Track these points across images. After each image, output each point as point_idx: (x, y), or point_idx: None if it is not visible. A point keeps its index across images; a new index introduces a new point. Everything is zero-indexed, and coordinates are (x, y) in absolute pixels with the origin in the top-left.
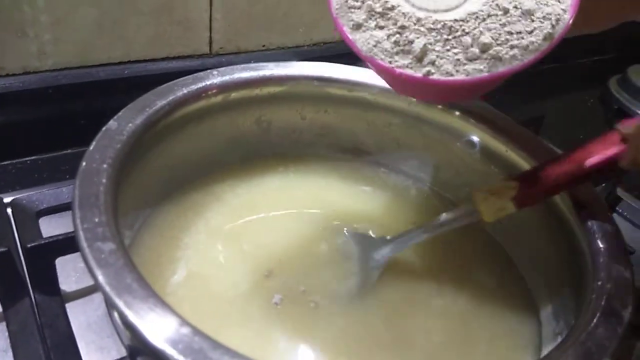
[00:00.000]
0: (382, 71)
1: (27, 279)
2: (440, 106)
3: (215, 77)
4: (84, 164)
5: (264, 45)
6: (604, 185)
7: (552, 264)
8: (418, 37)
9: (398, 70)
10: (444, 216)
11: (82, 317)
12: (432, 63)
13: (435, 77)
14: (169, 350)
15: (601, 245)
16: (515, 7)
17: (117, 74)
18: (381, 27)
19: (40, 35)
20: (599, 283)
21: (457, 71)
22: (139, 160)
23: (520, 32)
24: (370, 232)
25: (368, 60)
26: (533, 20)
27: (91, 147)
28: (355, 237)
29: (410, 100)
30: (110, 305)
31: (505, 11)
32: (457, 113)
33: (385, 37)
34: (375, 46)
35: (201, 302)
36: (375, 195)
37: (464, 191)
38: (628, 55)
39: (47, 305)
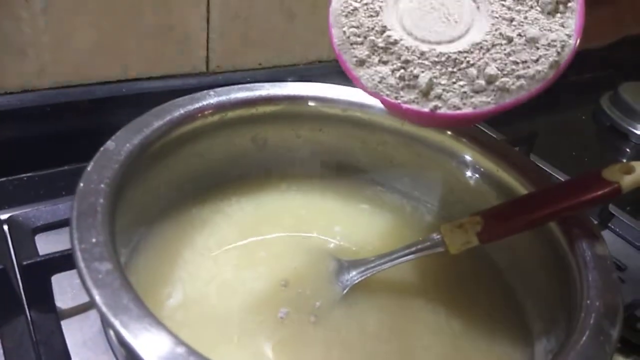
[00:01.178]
0: (388, 107)
1: (23, 296)
2: None
3: (212, 97)
4: (81, 184)
5: (260, 64)
6: None
7: (543, 282)
8: (423, 71)
9: (405, 106)
10: (410, 246)
11: (77, 334)
12: (439, 97)
13: (442, 111)
14: None
15: (590, 264)
16: (520, 34)
17: (115, 92)
18: (385, 62)
19: (40, 56)
20: (588, 302)
21: (464, 104)
22: (136, 179)
23: (525, 62)
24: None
25: (374, 97)
26: (538, 48)
27: (89, 168)
28: (331, 260)
29: (403, 120)
30: (106, 325)
31: (510, 40)
32: (450, 133)
33: (390, 73)
34: (380, 82)
35: (197, 322)
36: (371, 213)
37: (457, 208)
38: (619, 73)
39: (43, 323)
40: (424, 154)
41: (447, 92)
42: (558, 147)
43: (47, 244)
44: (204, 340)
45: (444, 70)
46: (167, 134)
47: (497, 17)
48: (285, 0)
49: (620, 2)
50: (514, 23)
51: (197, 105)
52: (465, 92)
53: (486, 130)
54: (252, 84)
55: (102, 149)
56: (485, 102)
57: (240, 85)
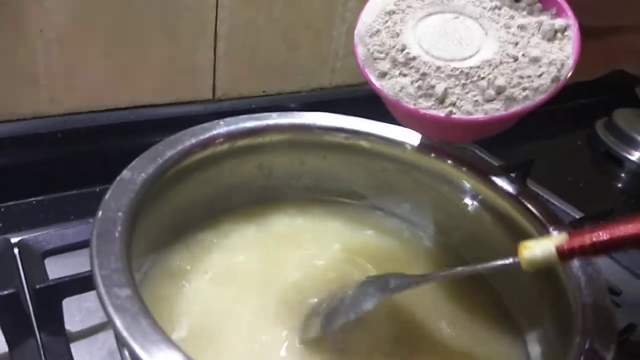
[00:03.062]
0: (407, 114)
1: (34, 319)
2: (432, 154)
3: (222, 127)
4: (100, 212)
5: (264, 91)
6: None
7: (541, 307)
8: (439, 83)
9: (422, 111)
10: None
11: (86, 357)
12: (453, 104)
13: (457, 116)
14: None
15: (585, 289)
16: (524, 55)
17: (124, 118)
18: (404, 75)
19: (52, 84)
20: (582, 326)
21: (477, 110)
22: (149, 206)
23: (530, 76)
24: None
25: (394, 104)
26: (540, 66)
27: (107, 196)
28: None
29: (404, 148)
30: (125, 348)
31: (515, 59)
32: (449, 161)
33: (409, 83)
34: (400, 91)
35: (207, 347)
36: (371, 236)
37: (456, 235)
38: (614, 99)
39: (53, 345)
40: (423, 181)
41: (461, 100)
42: (554, 173)
43: (56, 268)
44: None
45: (457, 82)
46: (179, 163)
47: (503, 41)
48: (289, 31)
49: (609, 38)
50: (518, 46)
51: (207, 135)
52: (477, 101)
53: (484, 157)
54: (259, 114)
55: (118, 178)
56: (495, 109)
57: (248, 115)
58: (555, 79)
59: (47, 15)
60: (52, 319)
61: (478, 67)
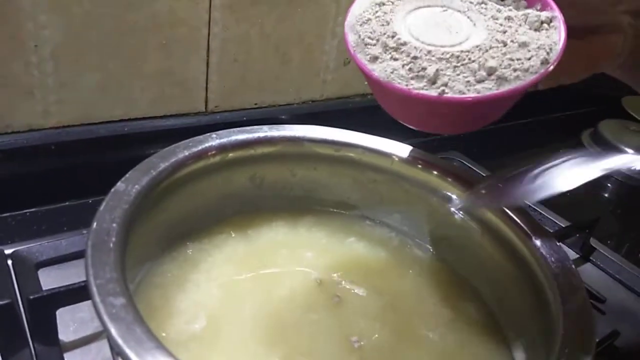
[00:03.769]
0: (398, 97)
1: (27, 330)
2: (419, 165)
3: (214, 140)
4: (95, 224)
5: (256, 104)
6: (577, 235)
7: (525, 314)
8: (430, 65)
9: (414, 92)
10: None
11: None
12: (445, 84)
13: (449, 95)
14: None
15: (566, 297)
16: (512, 41)
17: (118, 130)
18: (395, 59)
19: (46, 97)
20: (564, 332)
21: (469, 90)
22: (143, 218)
23: (520, 59)
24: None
25: (386, 85)
26: (529, 50)
27: (101, 208)
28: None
29: (392, 160)
30: (119, 355)
31: (505, 44)
32: (435, 172)
33: (401, 66)
34: (392, 73)
35: (200, 355)
36: (360, 246)
37: (444, 243)
38: (600, 110)
39: (47, 356)
40: (412, 191)
41: (453, 81)
42: None
43: (49, 279)
44: None
45: (448, 65)
46: (172, 175)
47: (492, 30)
48: (281, 45)
49: (592, 39)
50: (507, 34)
51: (200, 147)
52: (468, 81)
53: (470, 167)
54: (251, 127)
55: (112, 190)
56: (487, 88)
57: (240, 128)
58: (544, 61)
59: (41, 30)
60: (46, 329)
61: (468, 51)
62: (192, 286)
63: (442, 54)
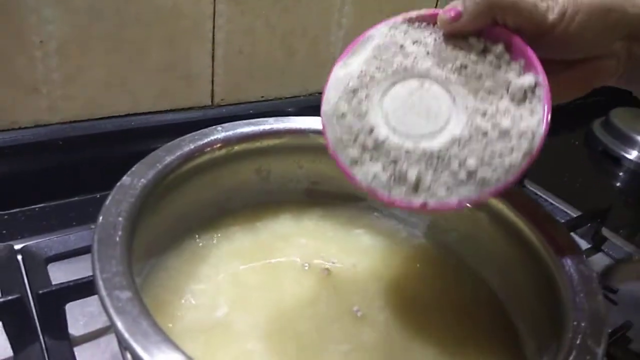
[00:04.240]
0: (382, 201)
1: (38, 324)
2: None
3: (220, 133)
4: (101, 218)
5: (262, 96)
6: (589, 225)
7: (535, 305)
8: (410, 168)
9: (397, 202)
10: None
11: None
12: (427, 190)
13: (431, 205)
14: None
15: (577, 287)
16: (493, 125)
17: (124, 125)
18: (376, 160)
19: (51, 92)
20: (575, 323)
21: (450, 195)
22: (149, 212)
23: (501, 154)
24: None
25: (368, 192)
26: (511, 140)
27: (107, 202)
28: None
29: None
30: (125, 349)
31: (485, 133)
32: None
33: (381, 170)
34: (373, 179)
35: (208, 347)
36: (368, 237)
37: (452, 235)
38: (610, 99)
39: (57, 350)
40: None
41: (434, 183)
42: (551, 172)
43: (59, 273)
44: None
45: (429, 165)
46: (178, 168)
47: (471, 111)
48: (286, 37)
49: (584, 65)
50: (487, 115)
51: (205, 140)
52: (449, 187)
53: None
54: (257, 119)
55: (118, 184)
56: (467, 195)
57: (246, 121)
58: (527, 153)
59: (46, 25)
60: (56, 324)
61: (448, 147)
62: (199, 279)
63: (422, 152)
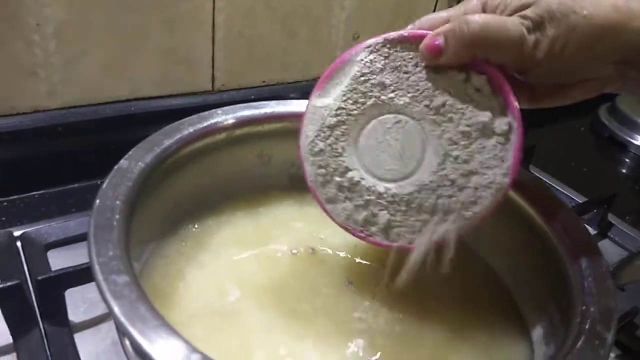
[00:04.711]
0: (356, 237)
1: (37, 311)
2: None
3: (220, 116)
4: (97, 201)
5: (263, 81)
6: (595, 211)
7: (543, 291)
8: (381, 211)
9: (370, 239)
10: None
11: (90, 347)
12: (396, 232)
13: (399, 243)
14: None
15: (586, 272)
16: (462, 175)
17: (124, 111)
18: (350, 199)
19: (50, 77)
20: (584, 308)
21: (419, 236)
22: (147, 195)
23: (464, 204)
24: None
25: (343, 228)
26: (477, 189)
27: (104, 185)
28: None
29: None
30: (124, 335)
31: (452, 181)
32: None
33: (354, 209)
34: (347, 218)
35: (207, 332)
36: None
37: None
38: None
39: (57, 336)
40: None
41: (403, 227)
42: (557, 159)
43: (58, 260)
44: (218, 350)
45: (398, 209)
46: (177, 152)
47: (443, 155)
48: (287, 20)
49: (577, 86)
50: (458, 160)
51: (205, 124)
52: (415, 229)
53: None
54: (257, 102)
55: (116, 167)
56: (434, 237)
57: (246, 104)
58: (487, 207)
59: (43, 8)
60: (55, 310)
61: (416, 193)
62: (199, 265)
63: (392, 196)
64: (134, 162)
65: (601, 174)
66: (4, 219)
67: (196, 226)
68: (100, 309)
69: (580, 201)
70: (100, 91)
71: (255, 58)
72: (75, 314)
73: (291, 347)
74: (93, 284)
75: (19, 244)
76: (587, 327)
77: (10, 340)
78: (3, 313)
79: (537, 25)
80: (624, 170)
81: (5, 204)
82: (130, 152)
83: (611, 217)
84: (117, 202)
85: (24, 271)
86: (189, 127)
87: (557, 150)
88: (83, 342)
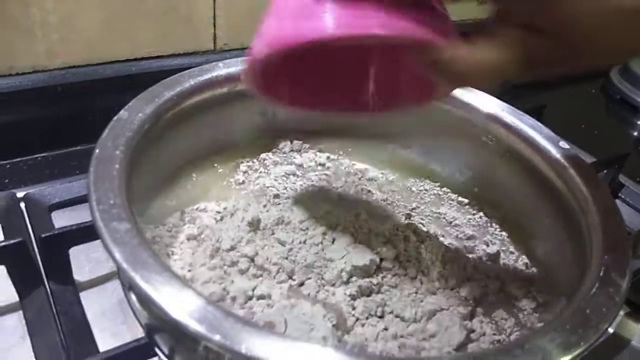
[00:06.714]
0: None
1: (42, 269)
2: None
3: (222, 69)
4: (97, 150)
5: None
6: (605, 172)
7: (557, 240)
8: None
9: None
10: None
11: (96, 305)
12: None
13: None
14: (187, 320)
15: (600, 221)
16: None
17: (124, 71)
18: None
19: (48, 35)
20: (598, 256)
21: None
22: (148, 147)
23: None
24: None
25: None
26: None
27: (104, 135)
28: None
29: None
30: (126, 281)
31: None
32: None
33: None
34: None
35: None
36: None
37: (466, 174)
38: None
39: (62, 294)
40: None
41: None
42: (568, 120)
43: (62, 221)
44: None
45: None
46: (178, 104)
47: None
48: None
49: None
50: None
51: (206, 77)
52: None
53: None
54: None
55: (115, 117)
56: None
57: None
58: None
59: None
60: (60, 268)
61: None
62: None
63: None
64: (134, 113)
65: (612, 135)
66: (6, 181)
67: (198, 178)
68: (106, 269)
69: (590, 162)
70: (99, 51)
71: (258, 16)
72: (80, 274)
73: None
74: (97, 243)
75: (22, 205)
76: (601, 274)
77: (16, 298)
78: (8, 271)
79: None
80: (635, 133)
81: (8, 166)
82: (130, 103)
83: (622, 178)
84: (117, 152)
85: (28, 231)
86: (190, 79)
87: (568, 111)
88: (89, 300)
